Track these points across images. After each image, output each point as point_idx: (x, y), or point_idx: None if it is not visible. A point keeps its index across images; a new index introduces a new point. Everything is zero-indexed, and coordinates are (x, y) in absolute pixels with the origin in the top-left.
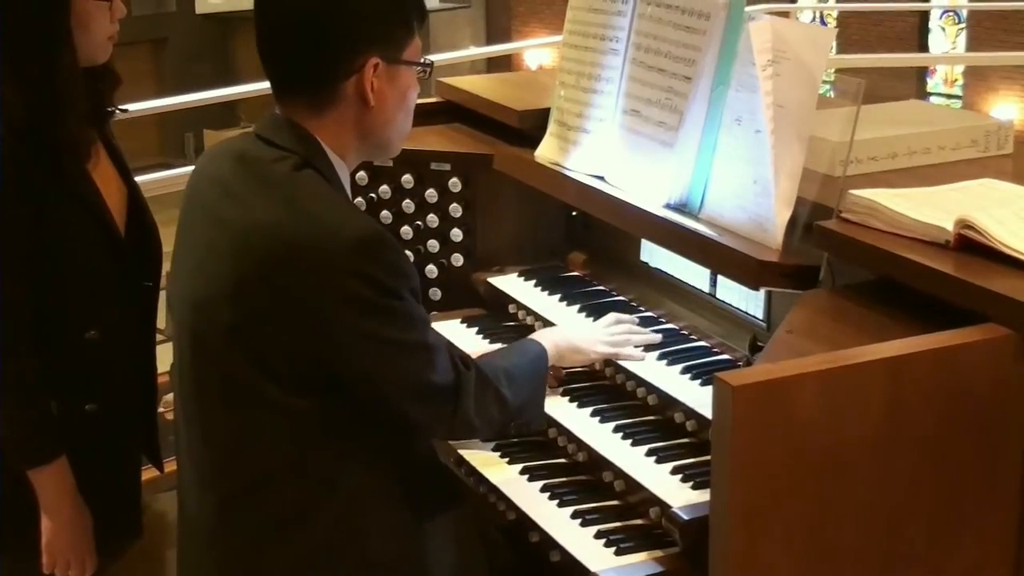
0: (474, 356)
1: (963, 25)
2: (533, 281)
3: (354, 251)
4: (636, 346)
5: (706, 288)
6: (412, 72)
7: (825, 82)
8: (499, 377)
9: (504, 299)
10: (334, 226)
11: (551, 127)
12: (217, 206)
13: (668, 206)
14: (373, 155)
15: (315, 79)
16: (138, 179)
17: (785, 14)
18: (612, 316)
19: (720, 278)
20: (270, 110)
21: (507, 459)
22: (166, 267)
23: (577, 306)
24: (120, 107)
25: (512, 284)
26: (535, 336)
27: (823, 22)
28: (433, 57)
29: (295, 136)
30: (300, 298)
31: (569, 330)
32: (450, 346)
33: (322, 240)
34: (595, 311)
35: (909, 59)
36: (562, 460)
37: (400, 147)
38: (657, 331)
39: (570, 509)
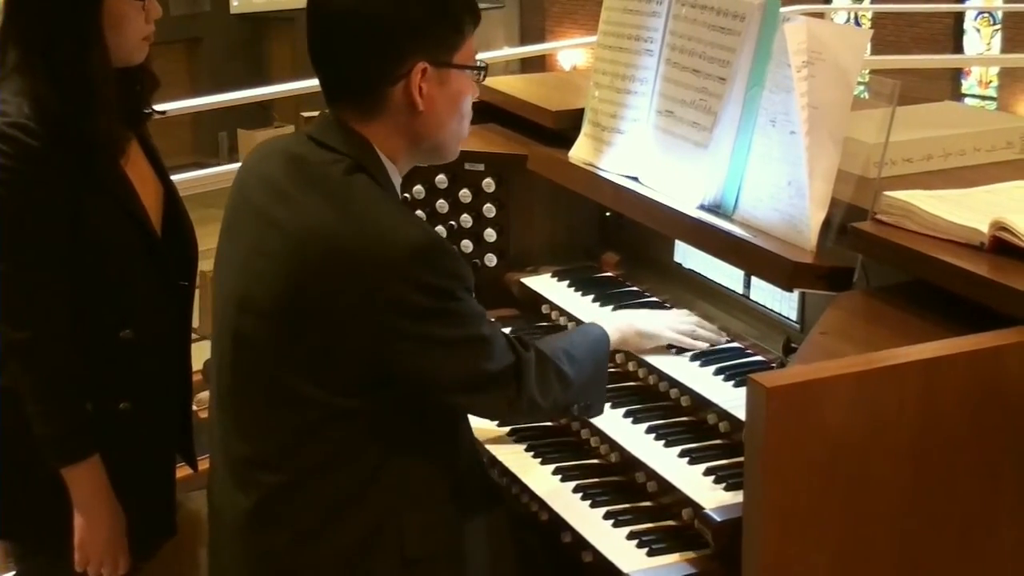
0: None
1: (998, 26)
2: (566, 282)
3: (410, 260)
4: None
5: (740, 289)
6: (465, 75)
7: (860, 83)
8: (559, 355)
9: (537, 299)
10: (389, 234)
11: (585, 128)
12: (268, 207)
13: (702, 207)
14: (427, 159)
15: (362, 85)
16: (171, 178)
17: (820, 15)
18: (684, 311)
19: (754, 279)
20: (321, 111)
21: (540, 460)
22: (202, 266)
23: (610, 307)
24: (157, 109)
25: (545, 284)
26: (597, 319)
27: (857, 23)
28: None
29: (347, 139)
30: (354, 305)
31: (633, 315)
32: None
33: (377, 248)
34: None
35: (944, 60)
36: (595, 461)
37: (457, 151)
38: None
39: (603, 510)
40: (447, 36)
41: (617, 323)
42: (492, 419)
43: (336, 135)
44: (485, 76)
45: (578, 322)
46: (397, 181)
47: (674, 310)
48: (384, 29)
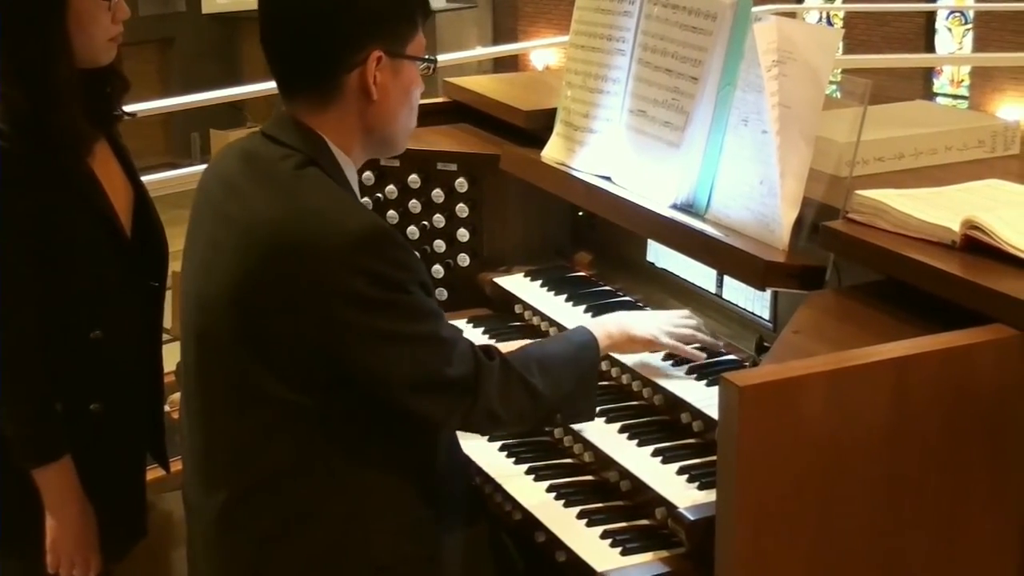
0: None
1: (969, 26)
2: (539, 281)
3: (356, 246)
4: (698, 347)
5: (712, 288)
6: (415, 68)
7: (831, 83)
8: (530, 367)
9: (510, 299)
10: (336, 222)
11: (557, 127)
12: (222, 204)
13: (674, 206)
14: (378, 152)
15: (318, 72)
16: (143, 179)
17: (791, 14)
18: (685, 311)
19: (726, 278)
20: (277, 109)
21: (513, 460)
22: (173, 267)
23: (583, 306)
24: (127, 110)
25: (518, 284)
26: (587, 323)
27: (829, 22)
28: (439, 57)
29: (300, 134)
30: (303, 294)
31: (626, 317)
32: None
33: (324, 236)
34: (601, 311)
35: (915, 60)
36: (568, 460)
37: (405, 144)
38: None
39: (576, 509)
40: (402, 26)
41: (608, 327)
42: (445, 428)
43: (289, 131)
44: (434, 70)
45: (551, 321)
46: (351, 174)
47: (673, 310)
48: (342, 15)
